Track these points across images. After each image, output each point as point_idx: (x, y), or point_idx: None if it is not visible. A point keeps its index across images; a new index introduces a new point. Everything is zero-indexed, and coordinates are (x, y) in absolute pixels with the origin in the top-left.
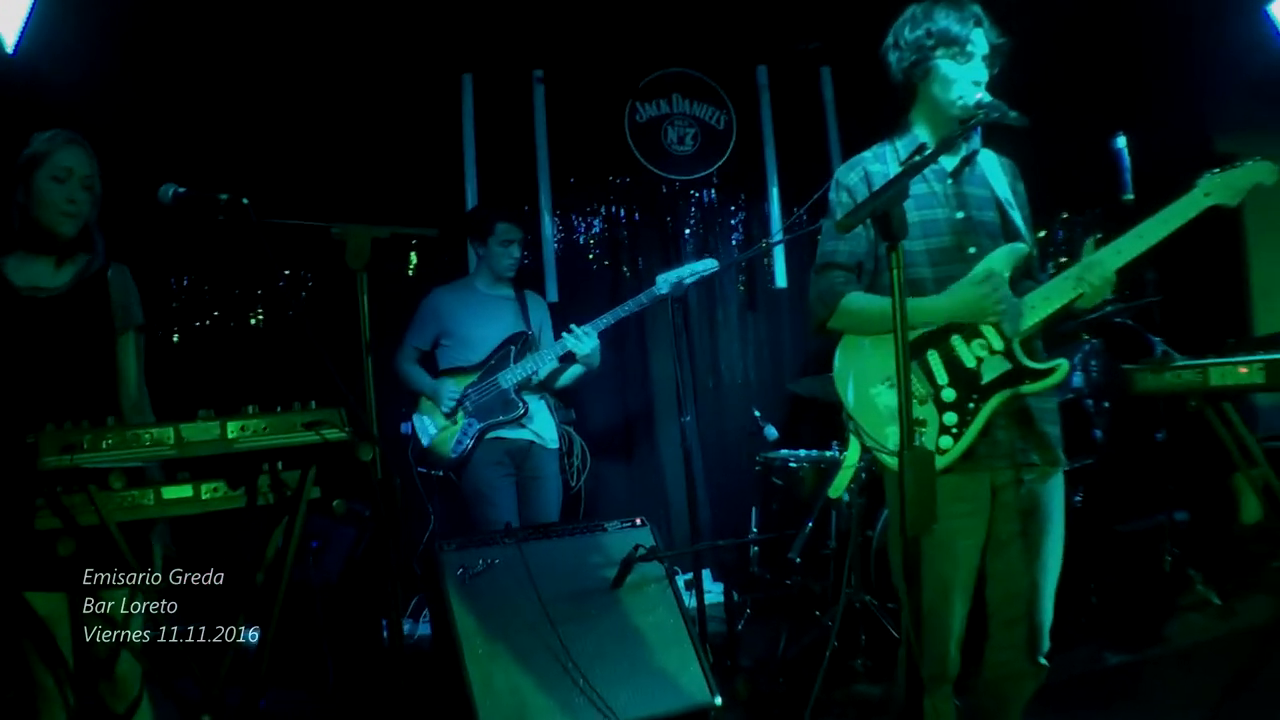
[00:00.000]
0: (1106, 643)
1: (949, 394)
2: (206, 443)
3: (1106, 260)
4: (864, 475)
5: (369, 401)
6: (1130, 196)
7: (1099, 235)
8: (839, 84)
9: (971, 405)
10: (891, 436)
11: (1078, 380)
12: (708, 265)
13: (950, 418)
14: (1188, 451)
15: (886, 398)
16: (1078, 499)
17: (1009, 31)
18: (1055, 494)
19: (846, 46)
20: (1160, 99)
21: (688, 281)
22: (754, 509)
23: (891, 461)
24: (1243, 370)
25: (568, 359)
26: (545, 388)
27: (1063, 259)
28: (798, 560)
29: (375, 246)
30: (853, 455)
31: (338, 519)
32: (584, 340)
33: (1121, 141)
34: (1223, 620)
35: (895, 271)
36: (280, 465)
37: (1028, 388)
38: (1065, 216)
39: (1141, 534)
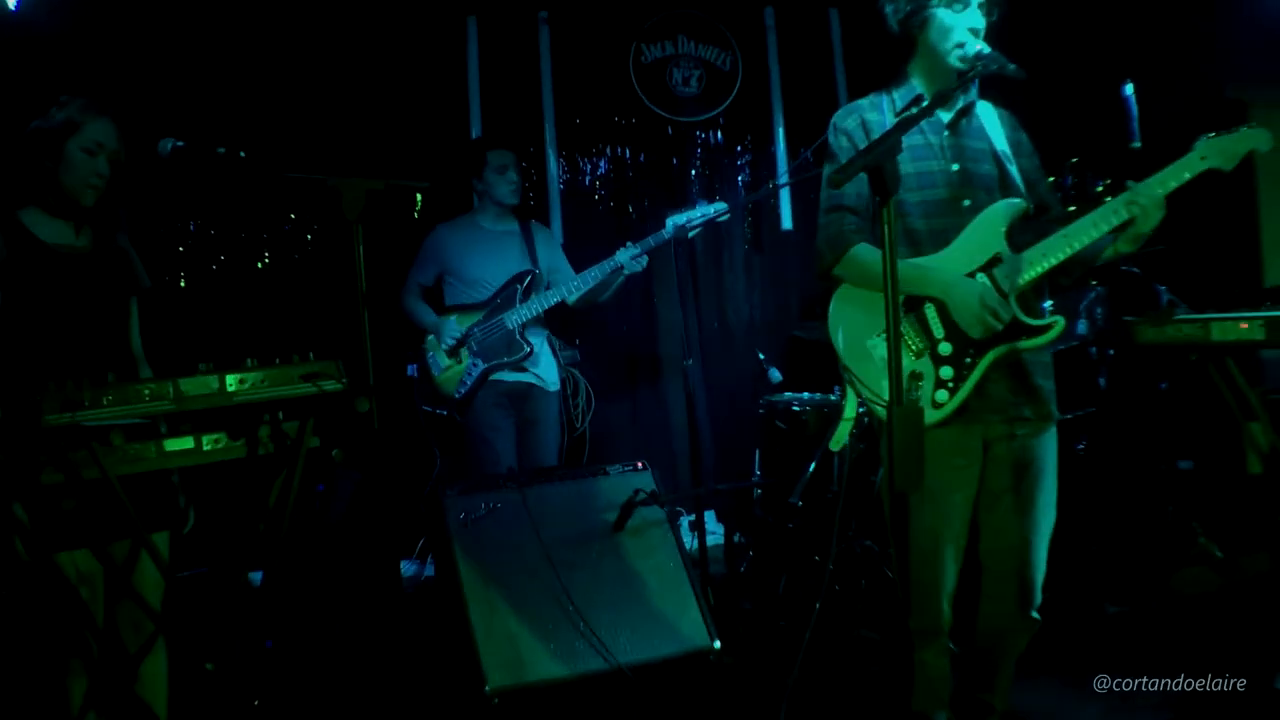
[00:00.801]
0: (1106, 593)
1: (945, 348)
2: (205, 396)
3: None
4: (865, 421)
5: (366, 352)
6: (1138, 144)
7: (1108, 181)
8: (847, 26)
9: (968, 360)
10: (887, 389)
11: (1082, 328)
12: (719, 209)
13: (946, 371)
14: (1193, 401)
15: (883, 350)
16: (1080, 447)
17: None
18: (1048, 448)
19: None
20: (1172, 46)
21: (696, 224)
22: (757, 452)
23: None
24: (1243, 326)
25: (613, 275)
26: (576, 306)
27: (1071, 208)
28: (799, 504)
29: (376, 195)
30: (850, 408)
31: (343, 463)
32: (639, 260)
33: (1129, 89)
34: (1224, 574)
35: (886, 228)
36: (281, 416)
37: (1025, 343)
38: (1074, 162)
39: (1144, 483)
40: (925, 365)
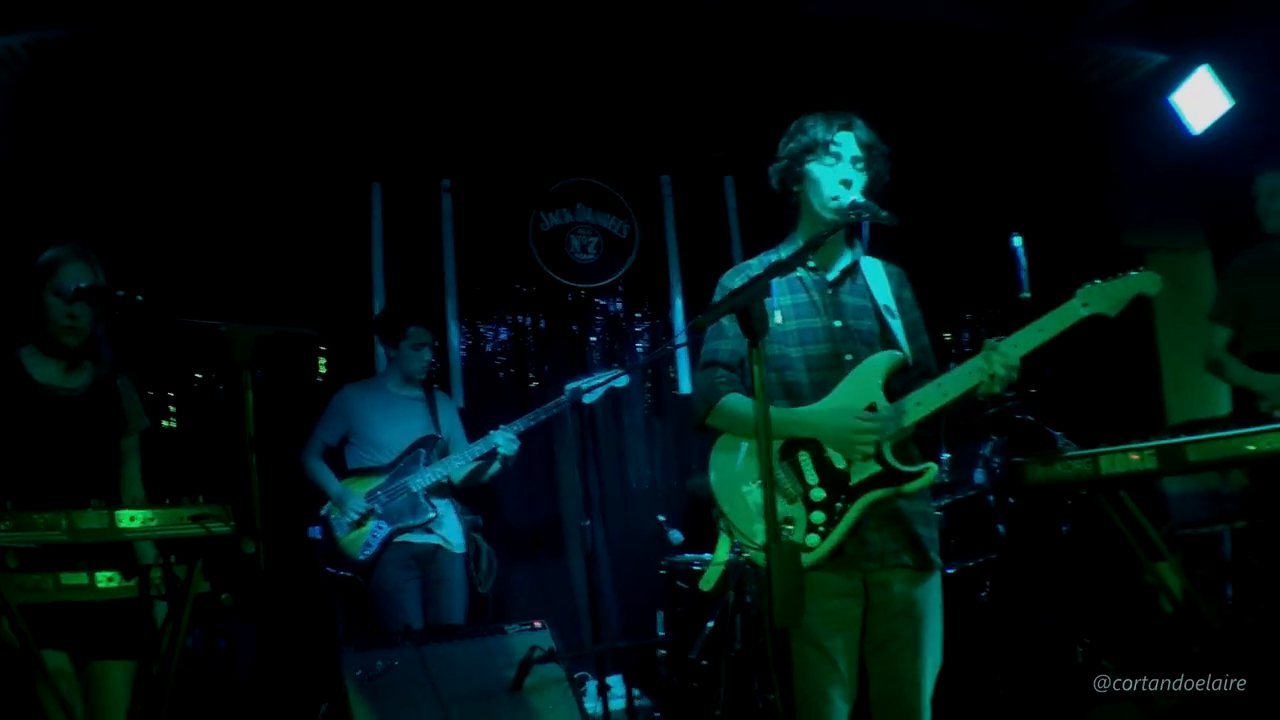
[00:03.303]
0: None
1: (818, 494)
2: (96, 530)
3: (997, 354)
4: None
5: (254, 496)
6: (1027, 295)
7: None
8: (742, 192)
9: (840, 505)
10: (759, 533)
11: (979, 477)
12: (618, 377)
13: (818, 516)
14: (1097, 541)
15: (756, 495)
16: (983, 594)
17: (910, 136)
18: (931, 595)
19: (750, 156)
20: (1067, 195)
21: (598, 393)
22: (659, 613)
23: (757, 557)
24: (1134, 457)
25: (488, 457)
26: (460, 486)
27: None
28: (703, 662)
29: (275, 346)
30: (721, 552)
31: (244, 618)
32: (512, 443)
33: (1018, 240)
34: (1140, 707)
35: (757, 369)
36: (174, 559)
37: (897, 489)
38: (969, 318)
39: (1051, 627)
40: (797, 510)
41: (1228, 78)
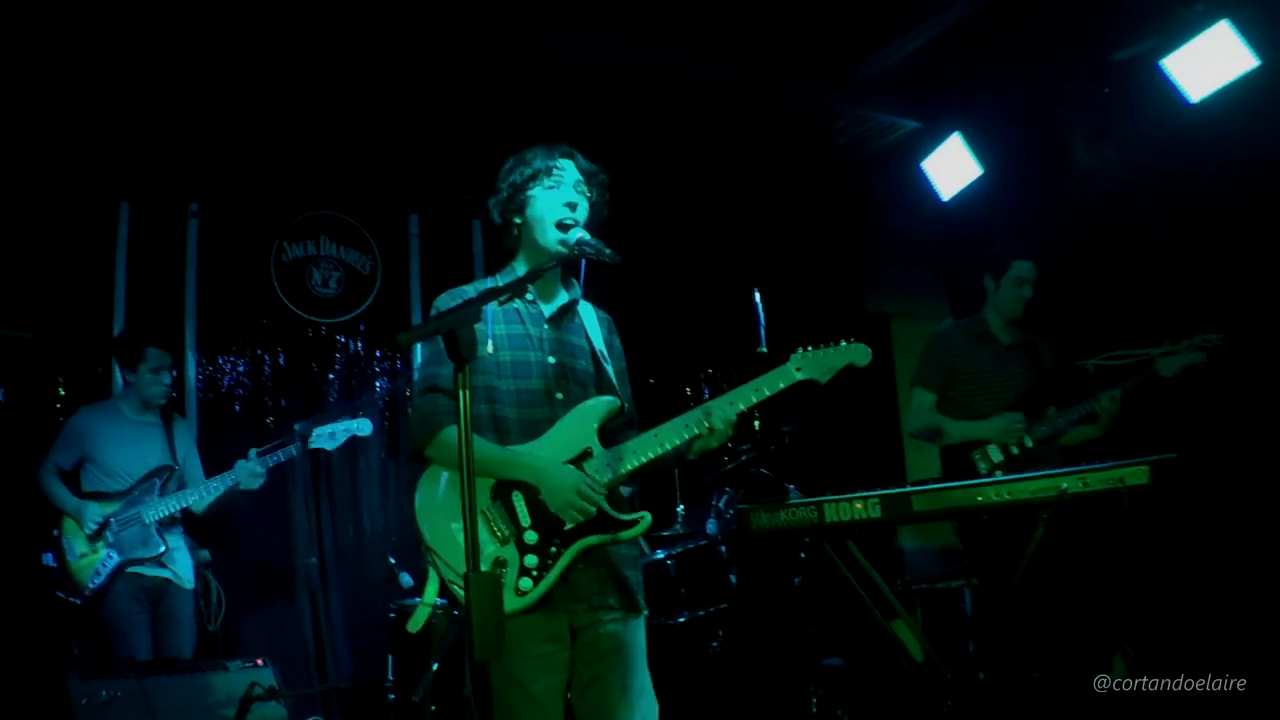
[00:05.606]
0: None
1: (531, 536)
2: None
3: (716, 410)
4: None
5: None
6: (764, 350)
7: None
8: (489, 237)
9: (554, 549)
10: None
11: (712, 527)
12: (362, 426)
13: (531, 560)
14: (835, 597)
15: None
16: (715, 644)
17: (660, 188)
18: (636, 638)
19: None
20: (816, 254)
21: (339, 439)
22: (389, 656)
23: (462, 593)
24: (859, 505)
25: (232, 490)
26: (204, 516)
27: None
28: (431, 707)
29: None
30: (431, 591)
31: None
32: (257, 478)
33: (757, 297)
34: None
35: (462, 393)
36: None
37: (612, 537)
38: (710, 372)
39: (785, 677)
40: (510, 552)
41: (978, 146)
